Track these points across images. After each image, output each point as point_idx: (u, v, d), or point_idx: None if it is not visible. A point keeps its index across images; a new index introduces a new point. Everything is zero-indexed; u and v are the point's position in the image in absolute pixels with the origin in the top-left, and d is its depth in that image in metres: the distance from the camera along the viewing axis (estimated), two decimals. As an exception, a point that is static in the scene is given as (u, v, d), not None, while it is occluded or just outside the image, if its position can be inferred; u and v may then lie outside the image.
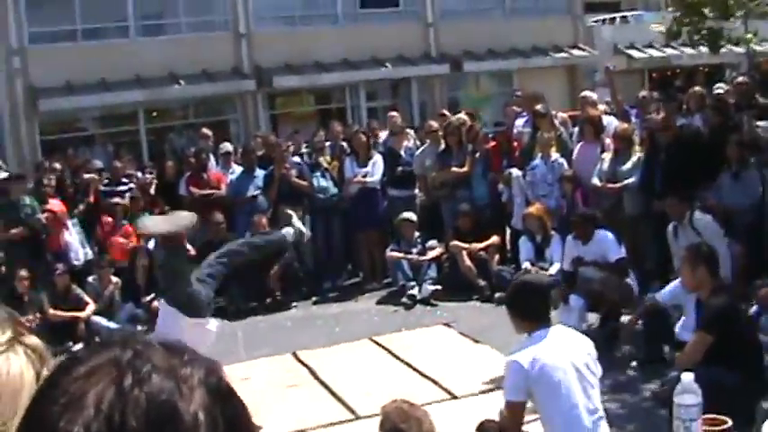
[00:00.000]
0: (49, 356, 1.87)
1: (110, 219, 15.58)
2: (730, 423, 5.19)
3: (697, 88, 15.60)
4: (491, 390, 9.51)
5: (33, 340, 1.87)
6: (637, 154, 13.22)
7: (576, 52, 34.86)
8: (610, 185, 13.13)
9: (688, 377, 4.98)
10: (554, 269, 12.56)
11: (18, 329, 1.85)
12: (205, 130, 18.06)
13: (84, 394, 1.22)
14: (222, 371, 1.33)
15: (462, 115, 16.18)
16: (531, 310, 6.45)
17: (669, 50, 35.18)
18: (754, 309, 10.73)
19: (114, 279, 14.51)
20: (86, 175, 16.81)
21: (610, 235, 11.83)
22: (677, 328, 9.23)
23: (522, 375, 6.11)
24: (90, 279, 14.58)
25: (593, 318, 11.41)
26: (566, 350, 6.19)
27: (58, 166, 17.61)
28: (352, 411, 9.30)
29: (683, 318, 9.22)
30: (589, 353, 6.33)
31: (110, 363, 1.26)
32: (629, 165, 13.12)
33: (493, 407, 8.93)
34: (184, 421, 1.20)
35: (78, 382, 1.24)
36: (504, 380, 6.42)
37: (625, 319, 10.88)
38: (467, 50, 32.87)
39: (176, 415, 1.20)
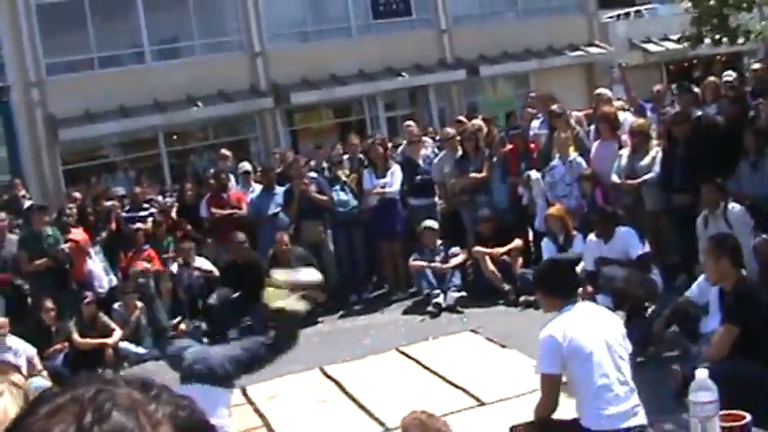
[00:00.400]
0: (31, 393, 1.88)
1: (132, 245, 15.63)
2: (749, 418, 5.14)
3: (712, 78, 15.53)
4: (520, 395, 9.47)
5: (16, 378, 1.87)
6: (654, 148, 13.15)
7: (591, 50, 34.83)
8: (629, 181, 13.07)
9: (702, 374, 4.94)
10: (578, 269, 12.49)
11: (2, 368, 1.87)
12: (224, 151, 18.12)
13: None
14: (196, 408, 1.32)
15: (478, 121, 16.16)
16: (559, 286, 6.56)
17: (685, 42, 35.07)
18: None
19: (139, 304, 14.54)
20: (107, 203, 16.88)
21: (631, 231, 11.78)
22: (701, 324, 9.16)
23: (556, 347, 6.20)
24: (115, 306, 14.61)
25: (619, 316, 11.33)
26: (596, 323, 6.30)
27: (78, 195, 17.69)
28: (382, 423, 9.26)
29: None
30: (619, 327, 6.39)
31: (72, 401, 1.25)
32: (647, 160, 13.05)
33: (522, 411, 8.97)
34: None
35: (41, 421, 1.24)
36: (539, 355, 6.46)
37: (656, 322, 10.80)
38: (482, 55, 32.92)
39: None
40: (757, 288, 8.37)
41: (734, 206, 11.44)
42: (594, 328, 6.20)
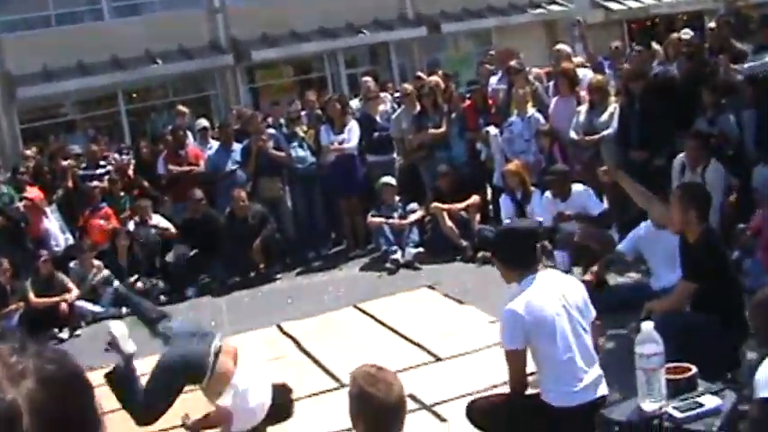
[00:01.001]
0: None
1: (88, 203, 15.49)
2: (695, 370, 5.13)
3: (675, 35, 15.48)
4: (477, 350, 9.48)
5: None
6: (612, 105, 13.13)
7: (553, 7, 34.71)
8: (587, 138, 13.05)
9: (648, 326, 4.93)
10: (538, 237, 12.44)
11: None
12: (181, 108, 17.96)
13: None
14: (68, 363, 1.26)
15: (436, 77, 16.09)
16: (518, 256, 6.33)
17: (648, 0, 35.05)
18: (736, 254, 10.70)
19: (96, 263, 14.43)
20: (63, 162, 16.72)
21: (588, 190, 11.79)
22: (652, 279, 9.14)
23: (518, 323, 6.05)
24: (72, 264, 14.49)
25: (576, 271, 11.34)
26: (558, 294, 6.13)
27: (29, 152, 17.51)
28: (338, 380, 9.24)
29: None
30: (582, 295, 6.27)
31: None
32: (605, 116, 13.04)
33: (478, 367, 8.98)
34: None
35: None
36: (501, 330, 6.30)
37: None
38: (444, 11, 32.76)
39: None
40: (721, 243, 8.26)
41: (715, 165, 11.42)
42: (557, 301, 6.07)
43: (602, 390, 6.12)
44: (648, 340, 4.84)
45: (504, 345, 6.26)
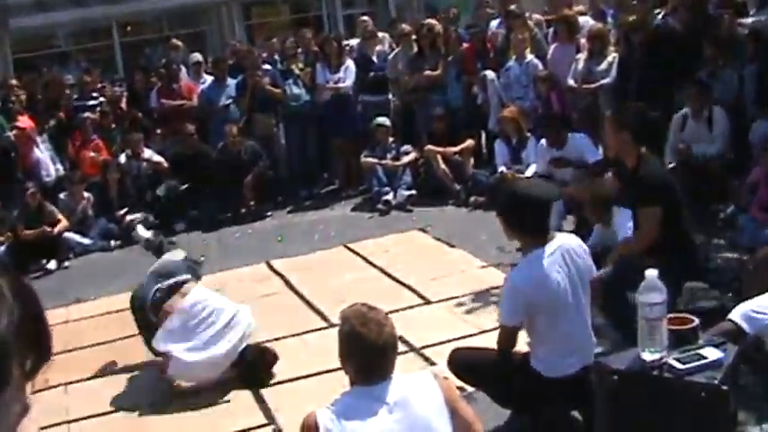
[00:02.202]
0: None
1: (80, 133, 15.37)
2: (697, 321, 5.06)
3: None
4: (465, 294, 9.44)
5: None
6: (612, 54, 13.01)
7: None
8: (585, 85, 12.96)
9: (652, 274, 4.83)
10: (530, 172, 12.40)
11: None
12: (175, 41, 17.79)
13: None
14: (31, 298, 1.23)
15: (434, 21, 15.92)
16: (529, 225, 6.05)
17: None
18: (731, 209, 10.67)
19: (86, 194, 14.35)
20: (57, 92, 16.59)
21: (585, 137, 11.71)
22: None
23: (520, 299, 5.87)
24: (62, 195, 14.41)
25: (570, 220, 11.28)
26: (564, 264, 5.90)
27: (14, 81, 17.34)
28: (326, 319, 9.22)
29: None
30: (585, 257, 6.06)
31: None
32: (603, 65, 12.94)
33: (466, 311, 8.95)
34: None
35: None
36: (501, 301, 6.18)
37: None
38: (443, -50, 32.48)
39: None
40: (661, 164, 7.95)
41: (720, 112, 11.35)
42: (563, 274, 5.86)
43: (592, 356, 6.03)
44: (651, 289, 4.75)
45: (501, 317, 6.13)
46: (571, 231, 8.83)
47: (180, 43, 17.54)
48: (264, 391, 7.77)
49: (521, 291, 5.88)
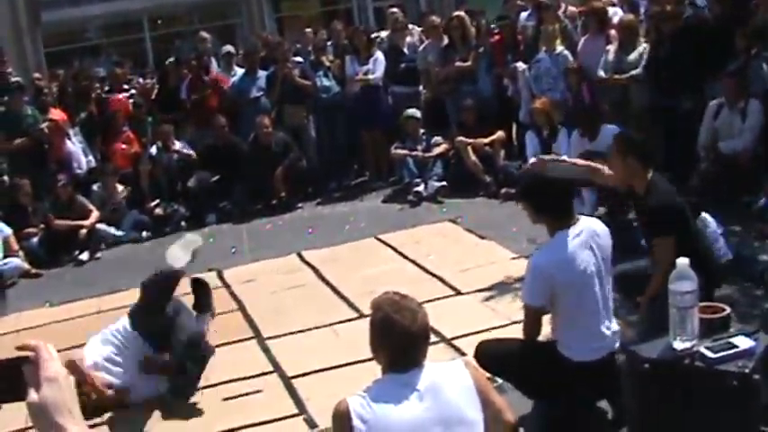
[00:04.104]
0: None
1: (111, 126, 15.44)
2: (729, 310, 5.06)
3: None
4: (496, 285, 9.44)
5: None
6: (642, 45, 12.96)
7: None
8: (616, 77, 12.90)
9: (683, 262, 4.83)
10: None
11: None
12: (203, 34, 17.78)
13: None
14: None
15: (463, 13, 15.89)
16: (554, 207, 6.08)
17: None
18: (762, 201, 10.61)
19: (120, 187, 14.43)
20: (87, 84, 16.66)
21: (616, 129, 11.67)
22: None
23: (546, 280, 5.88)
24: (94, 187, 14.50)
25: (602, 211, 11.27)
26: (590, 248, 5.93)
27: (37, 75, 17.44)
28: (357, 310, 9.23)
29: None
30: (609, 243, 6.09)
31: None
32: (634, 56, 12.87)
33: (498, 302, 8.95)
34: None
35: None
36: (525, 282, 6.17)
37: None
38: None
39: None
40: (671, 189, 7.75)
41: (755, 103, 11.29)
42: (589, 258, 5.90)
43: (617, 343, 6.03)
44: (683, 277, 4.75)
45: (525, 298, 6.16)
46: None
47: (208, 36, 17.52)
48: (295, 381, 7.80)
49: (544, 271, 5.90)
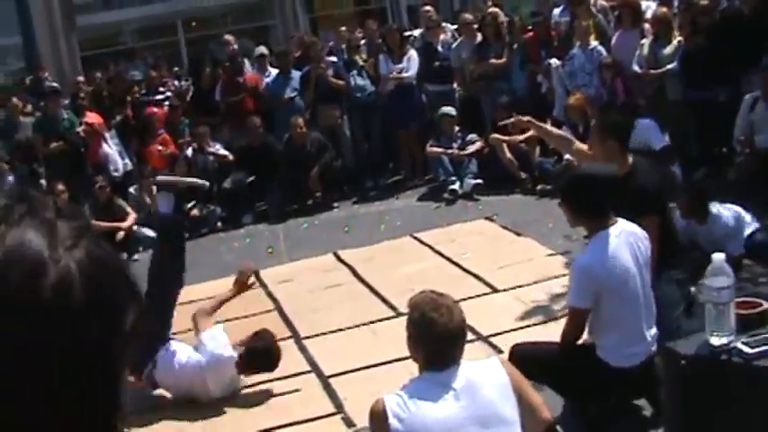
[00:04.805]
0: None
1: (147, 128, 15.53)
2: (766, 305, 5.01)
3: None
4: (533, 282, 9.43)
5: None
6: (677, 38, 12.90)
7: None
8: (651, 71, 12.86)
9: (719, 257, 4.80)
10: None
11: None
12: (227, 37, 17.74)
13: None
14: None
15: (497, 10, 15.88)
16: (593, 207, 6.03)
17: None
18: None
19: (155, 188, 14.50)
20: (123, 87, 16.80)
21: (652, 123, 11.63)
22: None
23: (591, 281, 5.86)
24: (131, 189, 14.59)
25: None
26: (632, 251, 5.92)
27: (80, 78, 17.58)
28: (394, 308, 9.23)
29: None
30: (648, 246, 6.05)
31: None
32: (669, 49, 12.83)
33: (534, 299, 8.93)
34: (46, 269, 1.09)
35: None
36: (571, 284, 6.13)
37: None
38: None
39: (41, 262, 1.09)
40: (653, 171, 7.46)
41: None
42: (632, 260, 5.88)
43: (654, 347, 6.00)
44: (719, 272, 4.72)
45: (570, 300, 6.12)
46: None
47: (232, 38, 17.48)
48: (333, 381, 7.82)
49: (590, 272, 5.88)
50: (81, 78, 17.96)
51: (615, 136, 7.08)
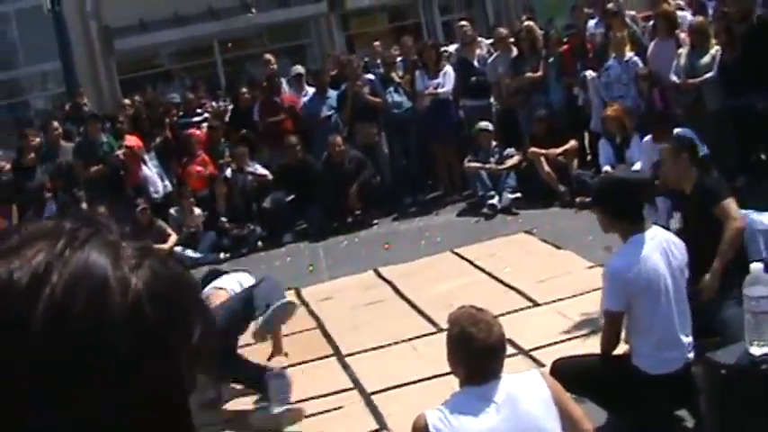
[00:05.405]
0: None
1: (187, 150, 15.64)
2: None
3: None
4: (574, 296, 9.40)
5: None
6: (715, 47, 12.85)
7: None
8: (690, 81, 12.81)
9: (757, 267, 4.79)
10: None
11: None
12: (267, 56, 17.85)
13: (21, 250, 1.14)
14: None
15: (532, 23, 15.90)
16: (625, 210, 6.05)
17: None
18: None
19: (198, 211, 14.59)
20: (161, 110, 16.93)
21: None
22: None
23: (624, 284, 5.85)
24: (172, 211, 14.69)
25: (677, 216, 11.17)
26: (665, 255, 5.90)
27: (127, 102, 17.73)
28: (435, 324, 9.21)
29: None
30: (685, 255, 6.04)
31: (55, 227, 1.19)
32: (707, 58, 12.78)
33: (576, 312, 8.90)
34: (112, 289, 1.12)
35: (14, 239, 1.17)
36: (603, 289, 6.14)
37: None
38: (540, -45, 32.34)
39: (106, 282, 1.12)
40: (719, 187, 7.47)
41: None
42: (665, 264, 5.87)
43: (691, 354, 5.98)
44: (757, 282, 4.71)
45: (605, 304, 6.12)
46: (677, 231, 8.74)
47: (272, 57, 17.58)
48: (375, 397, 7.83)
49: (620, 275, 5.89)
50: (127, 101, 18.11)
51: (688, 150, 7.29)
